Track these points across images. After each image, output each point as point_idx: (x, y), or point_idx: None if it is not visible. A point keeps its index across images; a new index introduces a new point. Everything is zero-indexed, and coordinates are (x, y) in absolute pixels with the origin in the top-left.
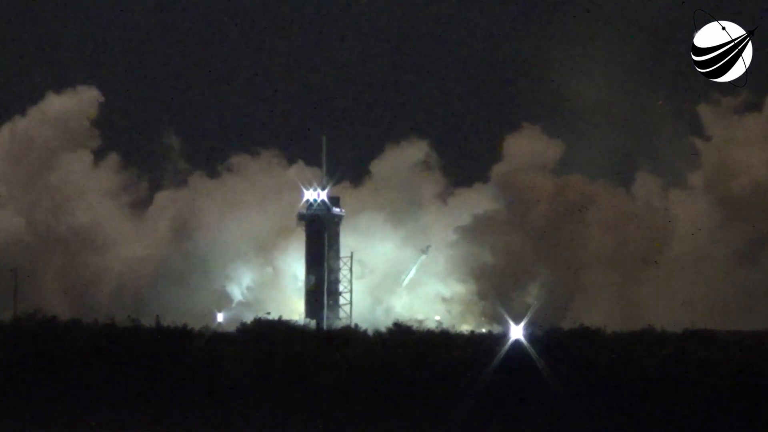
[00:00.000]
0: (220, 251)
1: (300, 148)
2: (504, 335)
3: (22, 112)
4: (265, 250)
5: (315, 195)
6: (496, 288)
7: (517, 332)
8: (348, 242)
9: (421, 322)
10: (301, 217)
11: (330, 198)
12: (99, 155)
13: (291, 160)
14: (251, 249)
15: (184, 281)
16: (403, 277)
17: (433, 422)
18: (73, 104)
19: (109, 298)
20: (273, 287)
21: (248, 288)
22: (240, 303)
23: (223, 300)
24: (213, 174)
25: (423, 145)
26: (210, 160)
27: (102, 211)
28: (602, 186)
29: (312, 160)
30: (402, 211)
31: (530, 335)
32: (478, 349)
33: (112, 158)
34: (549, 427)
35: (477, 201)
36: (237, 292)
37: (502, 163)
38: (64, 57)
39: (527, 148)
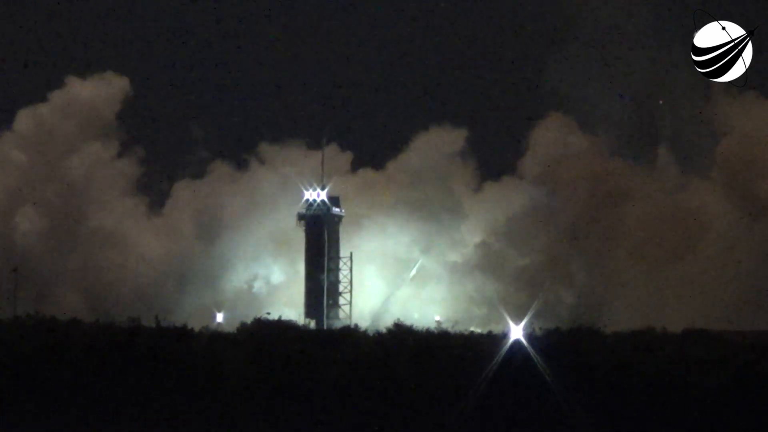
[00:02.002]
0: (245, 246)
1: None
2: (504, 335)
3: (44, 97)
4: (288, 245)
5: (315, 195)
6: (528, 288)
7: (517, 332)
8: (374, 237)
9: (439, 323)
10: (301, 217)
11: (330, 198)
12: (122, 146)
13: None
14: (277, 245)
15: (210, 280)
16: (405, 276)
17: (433, 422)
18: (100, 92)
19: (131, 299)
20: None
21: (275, 286)
22: (262, 302)
23: (250, 299)
24: (238, 164)
25: (456, 133)
26: (235, 149)
27: (123, 207)
28: (637, 181)
29: (345, 145)
30: (430, 205)
31: (530, 335)
32: (478, 349)
33: (136, 150)
34: (549, 427)
35: (509, 196)
36: (265, 290)
37: (530, 154)
38: (88, 41)
39: (553, 137)
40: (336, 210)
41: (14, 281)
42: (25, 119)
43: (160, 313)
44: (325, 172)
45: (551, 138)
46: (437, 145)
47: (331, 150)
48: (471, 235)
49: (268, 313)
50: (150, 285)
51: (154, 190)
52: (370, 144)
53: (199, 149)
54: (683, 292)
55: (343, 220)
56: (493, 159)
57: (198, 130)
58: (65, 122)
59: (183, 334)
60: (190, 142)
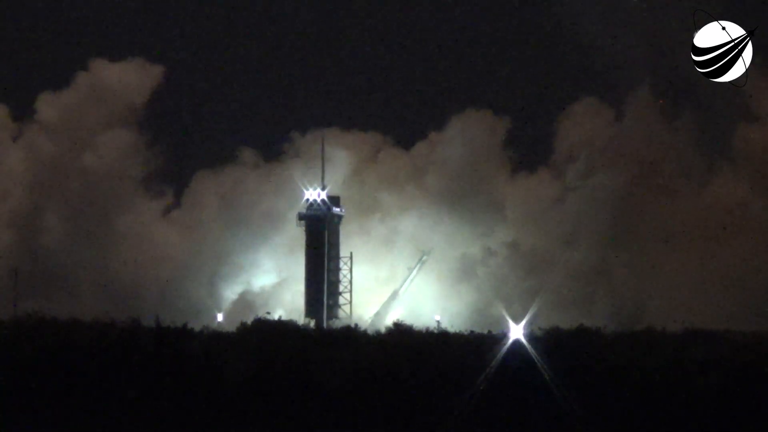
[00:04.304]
0: (275, 242)
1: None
2: (504, 335)
3: (67, 81)
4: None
5: (315, 195)
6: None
7: (517, 332)
8: (406, 228)
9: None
10: (301, 217)
11: (330, 197)
12: (147, 136)
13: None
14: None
15: (239, 277)
16: (401, 285)
17: (432, 422)
18: (129, 78)
19: (155, 299)
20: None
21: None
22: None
23: (282, 296)
24: (266, 154)
25: (495, 121)
26: (264, 139)
27: (145, 202)
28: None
29: (385, 130)
30: (464, 196)
31: (530, 335)
32: (478, 349)
33: (161, 140)
34: (549, 427)
35: (542, 188)
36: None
37: (563, 144)
38: (117, 25)
39: (586, 124)
40: (336, 210)
41: (14, 281)
42: (46, 104)
43: (188, 312)
44: (326, 171)
45: (584, 127)
46: (471, 132)
47: (374, 136)
48: (500, 229)
49: (268, 313)
50: (175, 284)
51: (176, 182)
52: (400, 128)
53: (226, 138)
54: (721, 290)
55: (367, 199)
56: (526, 149)
57: (226, 117)
58: (89, 109)
59: (183, 334)
60: (217, 131)
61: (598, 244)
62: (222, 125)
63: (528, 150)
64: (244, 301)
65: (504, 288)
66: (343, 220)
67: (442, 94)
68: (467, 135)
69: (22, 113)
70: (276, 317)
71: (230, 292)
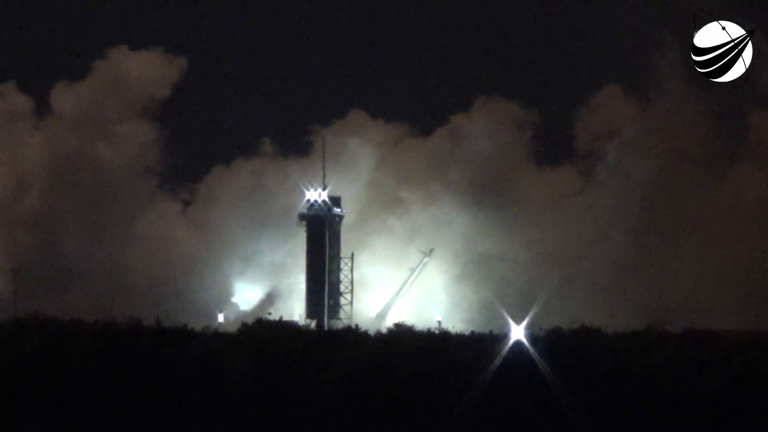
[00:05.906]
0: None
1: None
2: (505, 335)
3: (85, 70)
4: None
5: (316, 195)
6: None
7: (518, 332)
8: (424, 223)
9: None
10: (301, 217)
11: (330, 198)
12: (165, 130)
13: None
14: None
15: (263, 276)
16: (402, 286)
17: (433, 423)
18: (150, 71)
19: (170, 298)
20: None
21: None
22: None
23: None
24: (283, 148)
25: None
26: (286, 131)
27: (161, 200)
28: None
29: (408, 119)
30: (484, 190)
31: (531, 335)
32: (479, 349)
33: (179, 135)
34: (550, 427)
35: (566, 182)
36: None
37: (583, 136)
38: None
39: (607, 115)
40: (337, 210)
41: (14, 281)
42: (61, 95)
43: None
44: (325, 171)
45: (610, 117)
46: (492, 123)
47: (395, 126)
48: (522, 224)
49: (269, 313)
50: (192, 281)
51: (193, 177)
52: (417, 118)
53: (244, 133)
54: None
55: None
56: (548, 142)
57: (245, 111)
58: (106, 100)
59: (183, 334)
60: (235, 125)
61: (622, 240)
62: (240, 119)
63: (551, 143)
64: (271, 298)
65: (521, 285)
66: (354, 218)
67: (462, 82)
68: (489, 126)
69: (41, 105)
70: (296, 316)
71: (256, 292)
